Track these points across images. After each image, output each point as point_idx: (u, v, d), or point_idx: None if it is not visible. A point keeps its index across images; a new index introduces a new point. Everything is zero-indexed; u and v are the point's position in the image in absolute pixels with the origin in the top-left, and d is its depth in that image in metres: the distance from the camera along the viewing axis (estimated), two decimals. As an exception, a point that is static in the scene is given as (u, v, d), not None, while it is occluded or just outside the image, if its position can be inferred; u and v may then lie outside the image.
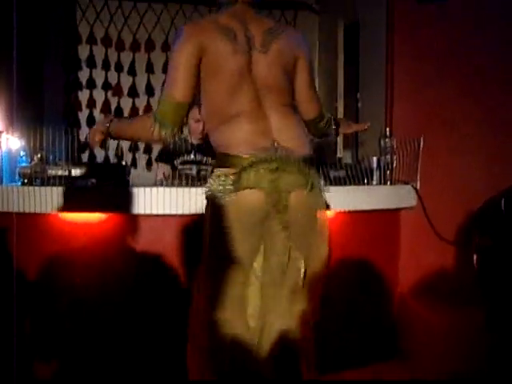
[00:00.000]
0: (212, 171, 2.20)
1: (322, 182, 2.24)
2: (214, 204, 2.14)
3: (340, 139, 4.50)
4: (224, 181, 2.10)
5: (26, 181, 2.88)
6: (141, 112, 5.27)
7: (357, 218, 3.21)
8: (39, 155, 2.94)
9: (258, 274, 2.16)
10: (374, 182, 3.29)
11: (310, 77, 2.33)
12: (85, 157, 4.97)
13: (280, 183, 2.11)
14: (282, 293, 2.17)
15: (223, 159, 2.13)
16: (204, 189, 2.18)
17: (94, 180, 2.93)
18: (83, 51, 5.18)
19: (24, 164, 2.98)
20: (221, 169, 2.13)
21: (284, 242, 2.16)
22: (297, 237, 2.16)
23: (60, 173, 2.89)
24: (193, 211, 2.80)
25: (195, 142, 3.80)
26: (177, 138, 2.52)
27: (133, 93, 5.28)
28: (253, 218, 2.12)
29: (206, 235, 2.19)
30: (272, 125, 2.13)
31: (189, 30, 2.14)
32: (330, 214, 3.12)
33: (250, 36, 2.13)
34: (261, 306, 2.17)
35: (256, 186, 2.10)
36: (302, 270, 2.20)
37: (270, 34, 2.16)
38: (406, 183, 3.35)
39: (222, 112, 2.15)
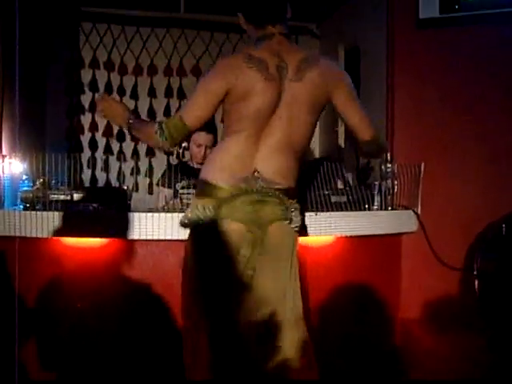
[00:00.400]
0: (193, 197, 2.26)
1: (300, 218, 2.27)
2: (193, 232, 2.19)
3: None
4: (203, 211, 2.12)
5: (27, 205, 2.88)
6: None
7: (358, 242, 3.21)
8: (41, 180, 2.95)
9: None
10: (375, 207, 3.29)
11: (356, 102, 2.31)
12: (86, 181, 4.98)
13: (259, 215, 2.14)
14: (278, 319, 2.18)
15: (203, 188, 2.18)
16: (183, 217, 2.20)
17: (95, 205, 2.94)
18: (86, 75, 5.20)
19: (26, 188, 2.98)
20: (200, 199, 2.16)
21: (273, 269, 2.18)
22: (272, 267, 2.19)
23: (62, 197, 2.89)
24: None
25: (197, 166, 3.81)
26: (174, 152, 2.57)
27: (135, 117, 5.27)
28: (230, 246, 2.15)
29: (187, 262, 2.23)
30: (258, 154, 2.16)
31: (223, 63, 2.21)
32: (330, 239, 3.15)
33: (284, 66, 2.16)
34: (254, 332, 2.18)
35: (233, 217, 2.13)
36: (297, 298, 2.22)
37: (305, 64, 2.18)
38: (407, 208, 3.34)
39: (227, 130, 2.21)
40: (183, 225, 2.22)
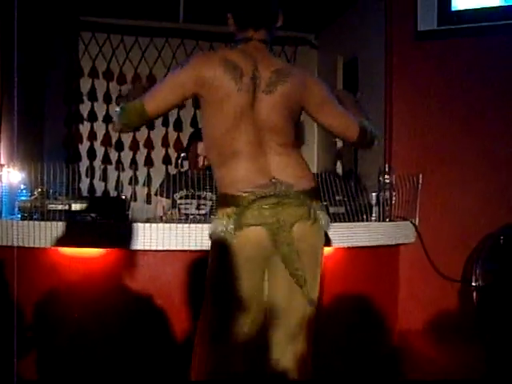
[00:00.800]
0: (215, 210, 2.21)
1: (326, 217, 2.23)
2: (217, 244, 2.15)
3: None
4: (226, 221, 2.10)
5: (25, 215, 2.88)
6: (141, 145, 5.30)
7: (356, 254, 3.21)
8: (39, 189, 2.95)
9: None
10: (373, 218, 3.29)
11: (332, 105, 2.28)
12: (84, 190, 4.99)
13: (281, 217, 2.12)
14: (284, 331, 2.17)
15: (224, 199, 2.15)
16: (208, 230, 2.19)
17: (93, 214, 2.93)
18: (85, 84, 5.21)
19: (24, 198, 2.98)
20: (222, 209, 2.14)
21: (287, 278, 2.17)
22: (301, 271, 2.16)
23: (60, 207, 2.89)
24: (192, 247, 2.80)
25: (196, 176, 3.81)
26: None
27: (134, 126, 5.27)
28: (256, 254, 2.13)
29: (209, 275, 2.19)
30: (271, 163, 2.14)
31: (197, 59, 2.17)
32: (329, 250, 3.14)
33: (258, 76, 2.14)
34: (261, 344, 2.17)
35: (257, 222, 2.11)
36: (307, 307, 2.21)
37: (277, 76, 2.16)
38: (405, 219, 3.34)
39: (221, 149, 2.16)
40: (211, 237, 2.18)
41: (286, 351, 2.17)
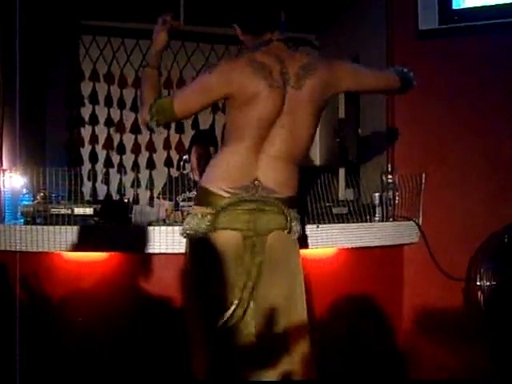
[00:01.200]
0: (193, 205, 2.24)
1: (299, 226, 2.26)
2: (192, 242, 2.18)
3: (341, 176, 4.52)
4: (201, 220, 2.11)
5: (28, 219, 2.88)
6: (143, 148, 5.31)
7: (359, 254, 3.20)
8: (42, 194, 2.94)
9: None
10: (377, 219, 3.28)
11: (365, 72, 2.38)
12: (87, 194, 4.98)
13: (257, 224, 2.13)
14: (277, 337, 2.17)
15: (202, 196, 2.17)
16: (182, 227, 2.20)
17: (96, 218, 2.93)
18: (86, 88, 5.21)
19: (26, 202, 2.98)
20: (200, 207, 2.15)
21: (283, 278, 2.17)
22: (273, 278, 2.17)
23: (63, 211, 2.89)
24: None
25: (197, 178, 3.81)
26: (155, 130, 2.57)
27: (135, 129, 5.28)
28: (229, 257, 2.14)
29: (186, 273, 2.23)
30: (259, 164, 2.15)
31: (224, 64, 2.20)
32: (332, 251, 3.14)
33: (286, 72, 2.16)
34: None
35: (232, 226, 2.12)
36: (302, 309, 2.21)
37: (304, 71, 2.18)
38: (409, 219, 3.33)
39: (229, 138, 2.20)
40: (183, 235, 2.21)
41: (288, 351, 2.17)
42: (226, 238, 2.13)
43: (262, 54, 2.17)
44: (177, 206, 3.58)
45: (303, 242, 2.45)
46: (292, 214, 2.20)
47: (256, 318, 2.16)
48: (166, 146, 5.34)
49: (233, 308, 2.13)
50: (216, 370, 2.14)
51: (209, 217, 2.11)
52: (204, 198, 2.16)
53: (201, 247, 2.15)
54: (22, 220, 2.90)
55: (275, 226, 2.17)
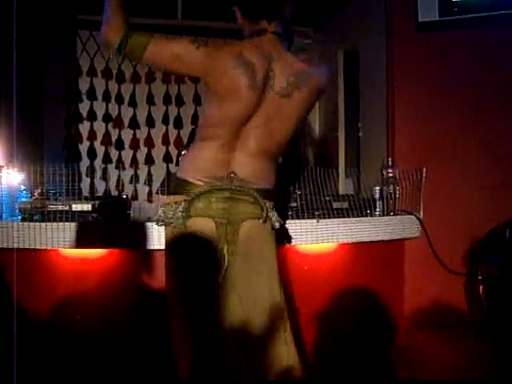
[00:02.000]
0: (167, 195, 2.21)
1: (277, 217, 2.22)
2: (168, 230, 2.16)
3: (341, 170, 4.50)
4: (175, 208, 2.09)
5: (26, 216, 2.86)
6: (142, 144, 5.28)
7: (360, 249, 3.19)
8: (39, 190, 2.93)
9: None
10: (377, 213, 3.27)
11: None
12: (85, 190, 4.96)
13: (231, 212, 2.11)
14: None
15: (177, 185, 2.15)
16: (158, 216, 2.18)
17: (94, 214, 2.92)
18: (84, 83, 5.18)
19: (24, 199, 2.96)
20: (173, 196, 2.13)
21: (236, 272, 2.14)
22: (247, 267, 2.15)
23: (60, 208, 2.87)
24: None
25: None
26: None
27: (133, 124, 5.27)
28: (204, 244, 2.12)
29: (165, 260, 2.22)
30: (236, 159, 2.13)
31: (213, 47, 2.13)
32: (333, 245, 3.12)
33: (271, 76, 2.11)
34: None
35: (205, 214, 2.10)
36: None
37: (294, 80, 2.13)
38: (410, 213, 3.32)
39: (203, 133, 2.16)
40: (158, 223, 2.19)
41: (265, 345, 2.15)
42: (201, 226, 2.11)
43: (250, 49, 2.12)
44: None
45: (282, 234, 2.43)
46: (268, 204, 2.17)
47: (241, 307, 2.13)
48: (165, 141, 5.32)
49: (211, 294, 2.10)
50: (201, 356, 2.13)
51: (183, 204, 2.09)
52: (178, 186, 2.14)
53: (176, 235, 2.14)
54: (20, 217, 2.88)
55: (249, 215, 2.15)
